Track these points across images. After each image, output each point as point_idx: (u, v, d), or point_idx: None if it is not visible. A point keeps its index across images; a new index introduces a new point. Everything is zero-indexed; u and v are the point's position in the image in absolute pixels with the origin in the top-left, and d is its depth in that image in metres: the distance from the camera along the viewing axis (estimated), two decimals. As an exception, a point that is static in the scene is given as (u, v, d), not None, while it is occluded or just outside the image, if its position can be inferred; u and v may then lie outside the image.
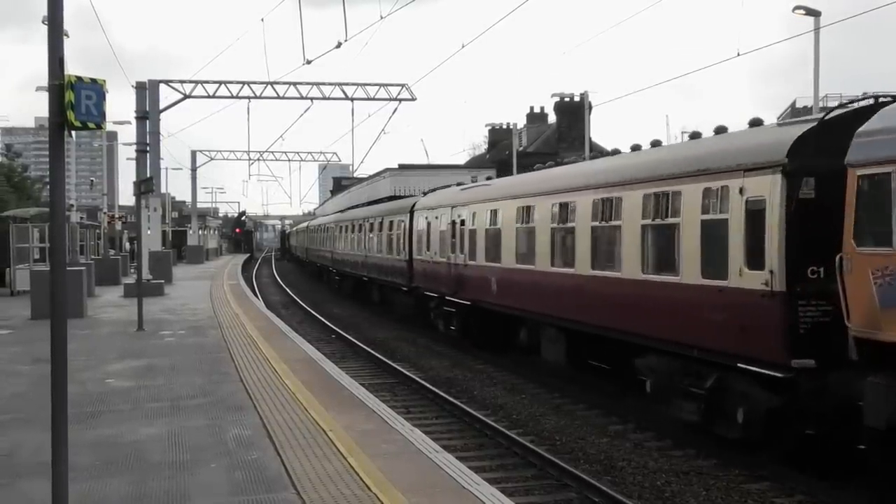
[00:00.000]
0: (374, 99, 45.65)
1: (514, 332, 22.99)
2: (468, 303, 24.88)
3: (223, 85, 44.41)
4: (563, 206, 19.07)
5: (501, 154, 70.22)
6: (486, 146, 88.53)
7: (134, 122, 41.44)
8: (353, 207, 57.78)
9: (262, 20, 45.13)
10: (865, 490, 11.63)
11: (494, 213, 23.19)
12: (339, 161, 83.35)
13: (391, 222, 35.15)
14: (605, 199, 17.19)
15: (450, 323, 26.99)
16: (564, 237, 19.19)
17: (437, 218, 28.31)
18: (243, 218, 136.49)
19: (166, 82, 42.91)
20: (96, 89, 7.56)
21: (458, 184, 31.41)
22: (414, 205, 31.88)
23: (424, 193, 33.09)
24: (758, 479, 12.57)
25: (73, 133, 7.90)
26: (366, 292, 42.24)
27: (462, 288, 25.42)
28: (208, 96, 44.22)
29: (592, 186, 18.02)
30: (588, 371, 19.42)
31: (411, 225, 31.58)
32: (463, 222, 25.63)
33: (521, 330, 22.49)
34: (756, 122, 14.94)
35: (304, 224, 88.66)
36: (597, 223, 17.42)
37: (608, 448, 14.54)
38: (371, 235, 39.32)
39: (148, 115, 40.68)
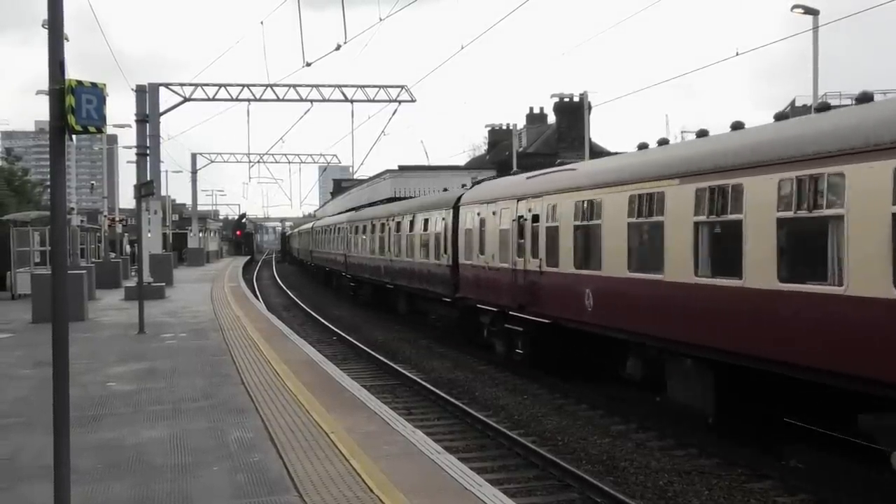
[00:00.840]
0: (373, 101, 45.64)
1: (617, 360, 17.36)
2: (545, 321, 19.66)
3: (223, 88, 44.41)
4: (719, 193, 13.44)
5: (501, 155, 70.24)
6: (486, 147, 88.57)
7: (134, 125, 41.49)
8: (371, 204, 51.72)
9: (262, 23, 45.14)
10: (869, 492, 11.62)
11: (588, 205, 17.81)
12: (340, 163, 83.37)
13: (426, 220, 29.88)
14: (805, 177, 11.53)
15: (513, 344, 21.72)
16: (719, 236, 13.80)
17: (494, 214, 22.96)
18: (244, 220, 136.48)
19: (166, 85, 42.92)
20: (97, 93, 7.56)
21: (511, 172, 26.91)
22: (460, 198, 26.56)
23: (473, 184, 28.50)
24: (760, 478, 12.56)
25: (74, 137, 7.89)
26: (390, 301, 37.25)
27: (535, 301, 20.18)
28: (208, 99, 44.22)
29: (777, 161, 12.17)
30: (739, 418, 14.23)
31: (455, 222, 26.22)
32: (536, 218, 20.29)
33: (631, 359, 16.73)
34: None
35: (309, 225, 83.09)
36: (787, 214, 11.87)
37: (610, 448, 14.54)
38: (398, 235, 34.13)
39: (148, 118, 40.70)
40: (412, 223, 31.91)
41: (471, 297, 24.64)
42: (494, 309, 22.74)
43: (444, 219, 27.44)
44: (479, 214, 23.95)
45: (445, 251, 27.06)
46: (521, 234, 21.01)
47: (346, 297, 46.86)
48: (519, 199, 21.45)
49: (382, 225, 37.33)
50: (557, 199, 19.43)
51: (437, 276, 28.12)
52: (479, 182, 27.04)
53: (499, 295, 22.38)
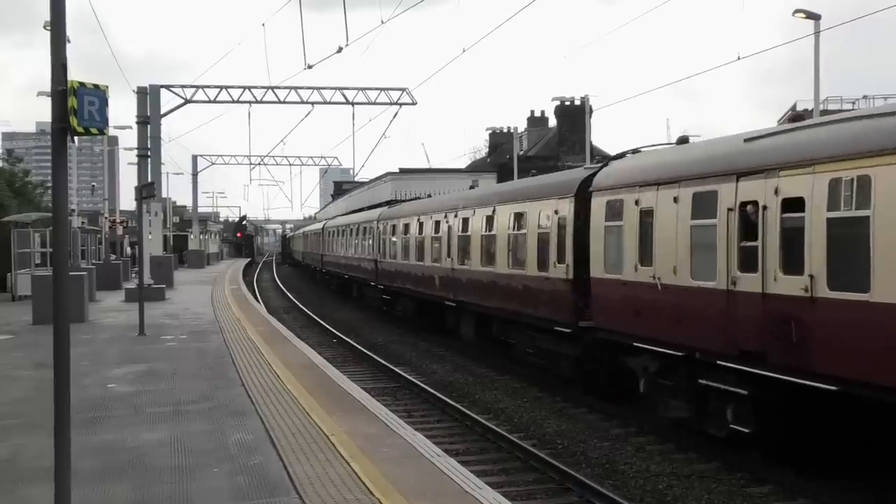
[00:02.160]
0: (374, 103, 45.71)
1: None
2: (829, 387, 11.14)
3: (224, 90, 44.46)
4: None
5: (502, 158, 70.30)
6: (486, 150, 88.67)
7: (135, 126, 41.51)
8: (412, 199, 42.73)
9: (263, 25, 45.29)
10: (869, 493, 11.61)
11: None
12: (340, 165, 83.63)
13: (520, 214, 21.70)
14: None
15: (715, 411, 13.87)
16: None
17: (677, 201, 14.65)
18: (244, 222, 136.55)
19: (167, 87, 43.00)
20: (99, 95, 7.57)
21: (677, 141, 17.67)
22: (589, 180, 18.36)
23: (602, 162, 20.18)
24: (760, 482, 12.56)
25: (76, 138, 7.90)
26: (446, 321, 28.71)
27: (792, 350, 11.73)
28: (209, 101, 44.26)
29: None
30: None
31: (582, 217, 18.30)
32: (796, 204, 11.81)
33: None
34: None
35: (317, 224, 74.49)
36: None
37: (610, 452, 14.54)
38: (466, 236, 25.47)
39: (149, 119, 40.74)
40: (491, 219, 23.49)
41: (614, 329, 16.80)
42: (670, 352, 14.72)
43: (557, 212, 19.44)
44: (638, 204, 15.84)
45: (561, 259, 19.09)
46: (747, 233, 12.85)
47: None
48: (768, 175, 12.43)
49: (438, 223, 28.60)
50: (847, 171, 10.97)
51: (541, 293, 20.02)
52: (618, 157, 18.54)
53: (687, 330, 14.22)
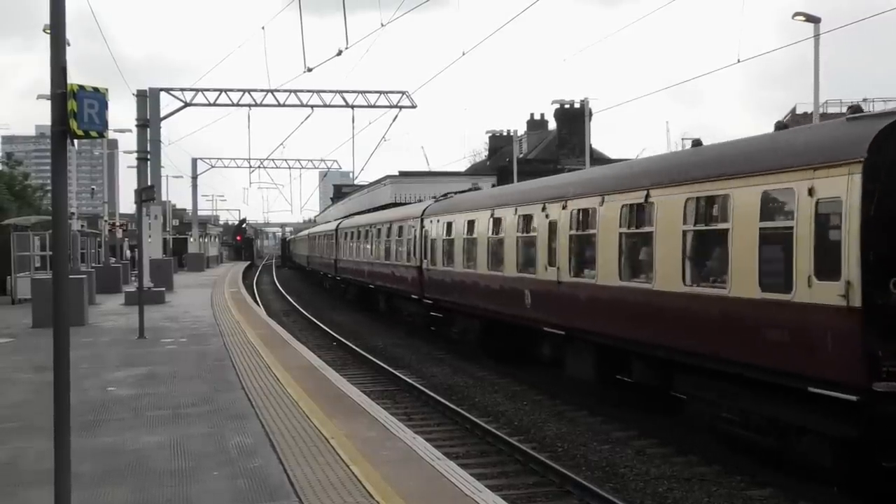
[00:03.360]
0: (374, 106, 45.72)
1: None
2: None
3: (224, 93, 44.47)
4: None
5: (502, 161, 70.35)
6: (486, 153, 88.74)
7: (135, 130, 41.50)
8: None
9: (263, 28, 45.45)
10: (869, 495, 11.60)
11: None
12: (340, 168, 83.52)
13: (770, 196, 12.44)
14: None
15: None
16: None
17: None
18: (244, 226, 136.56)
19: (167, 90, 42.98)
20: (99, 98, 7.58)
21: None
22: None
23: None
24: (760, 485, 12.55)
25: (76, 141, 7.90)
26: (576, 364, 18.90)
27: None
28: (209, 104, 44.28)
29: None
30: None
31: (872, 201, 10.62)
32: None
33: None
34: None
35: (327, 225, 65.57)
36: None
37: (610, 455, 14.53)
38: (635, 240, 16.19)
39: (149, 123, 40.73)
40: (644, 211, 15.57)
41: None
42: None
43: (814, 192, 11.27)
44: None
45: (828, 270, 11.05)
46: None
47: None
48: None
49: (528, 217, 20.84)
50: None
51: (772, 328, 12.09)
52: None
53: None
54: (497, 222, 22.78)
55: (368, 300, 41.70)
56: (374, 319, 38.25)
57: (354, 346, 28.29)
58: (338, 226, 52.49)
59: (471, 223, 24.77)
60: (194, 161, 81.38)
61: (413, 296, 30.70)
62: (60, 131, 7.49)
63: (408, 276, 31.53)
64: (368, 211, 55.38)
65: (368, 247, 40.02)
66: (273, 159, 77.92)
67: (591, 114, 52.30)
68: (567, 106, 65.01)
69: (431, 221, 28.83)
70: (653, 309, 14.96)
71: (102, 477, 9.86)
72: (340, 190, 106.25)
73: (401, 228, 33.41)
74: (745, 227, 12.49)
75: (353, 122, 51.15)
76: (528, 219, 20.75)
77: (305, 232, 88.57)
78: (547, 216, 19.48)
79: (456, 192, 30.25)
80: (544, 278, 19.35)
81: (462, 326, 26.47)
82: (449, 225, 27.00)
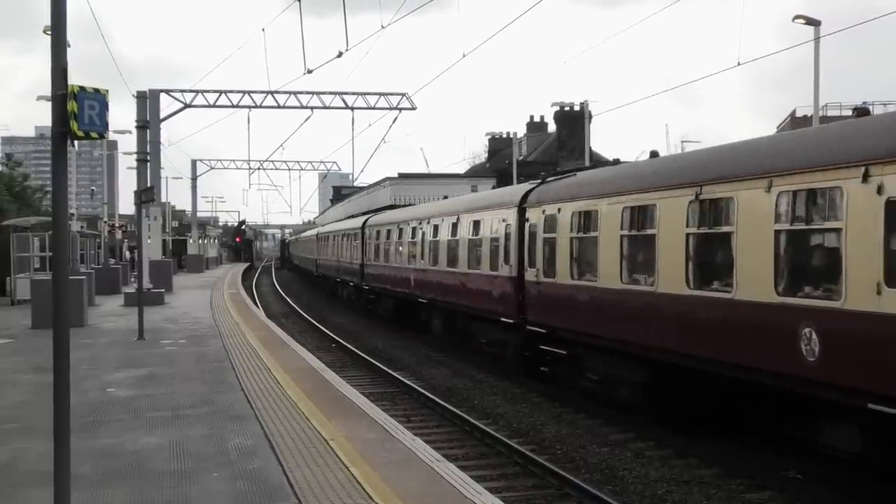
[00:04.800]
0: (374, 108, 45.73)
1: None
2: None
3: (224, 94, 44.48)
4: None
5: (501, 163, 70.38)
6: (486, 155, 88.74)
7: (134, 131, 41.52)
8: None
9: (263, 30, 45.36)
10: (868, 497, 11.61)
11: None
12: (340, 170, 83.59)
13: None
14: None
15: None
16: None
17: None
18: (243, 227, 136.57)
19: (167, 92, 42.98)
20: (99, 99, 7.59)
21: None
22: None
23: None
24: (759, 488, 12.54)
25: (76, 142, 7.91)
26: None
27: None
28: (209, 106, 44.29)
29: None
30: None
31: None
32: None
33: None
34: None
35: (344, 222, 53.88)
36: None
37: (609, 457, 14.52)
38: None
39: (148, 124, 40.74)
40: None
41: None
42: None
43: None
44: None
45: None
46: None
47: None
48: None
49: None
50: None
51: None
52: None
53: None
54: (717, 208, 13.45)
55: (412, 317, 32.71)
56: (375, 322, 38.17)
57: (354, 348, 28.29)
58: (365, 222, 41.97)
59: (639, 212, 15.65)
60: (194, 162, 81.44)
61: (503, 318, 21.89)
62: (61, 132, 7.50)
63: (494, 290, 22.78)
64: (381, 209, 47.97)
65: (418, 248, 30.76)
66: (273, 161, 78.11)
67: (590, 116, 52.35)
68: (567, 108, 64.98)
69: (543, 211, 19.67)
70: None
71: (102, 478, 9.86)
72: (340, 192, 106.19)
73: (476, 223, 24.58)
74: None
75: (352, 123, 51.19)
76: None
77: (311, 232, 79.92)
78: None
79: (572, 171, 21.27)
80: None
81: (608, 373, 17.07)
82: (583, 216, 17.92)
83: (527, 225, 20.54)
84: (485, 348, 24.44)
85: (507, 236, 21.76)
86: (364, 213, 49.41)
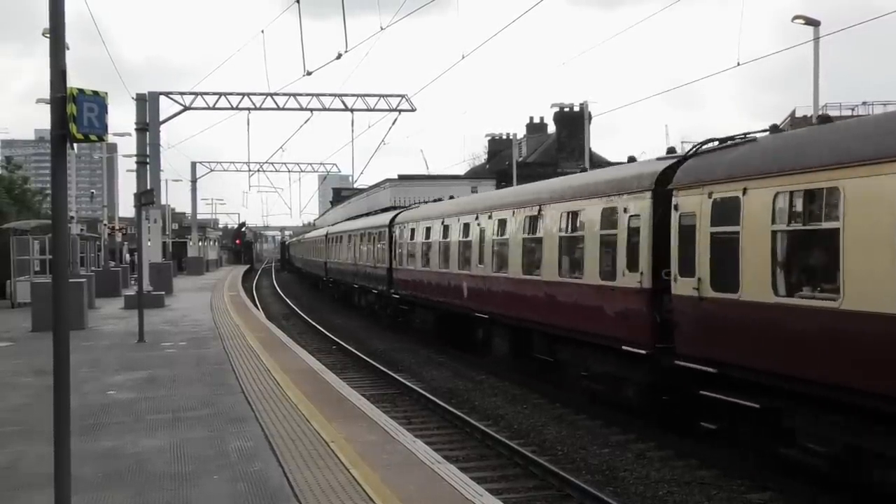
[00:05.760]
0: (373, 110, 45.75)
1: None
2: None
3: (223, 96, 44.50)
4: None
5: (501, 164, 70.41)
6: (485, 156, 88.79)
7: (134, 133, 41.53)
8: None
9: (263, 32, 45.40)
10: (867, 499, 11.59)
11: None
12: (339, 172, 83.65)
13: None
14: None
15: None
16: None
17: None
18: (243, 229, 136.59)
19: (166, 94, 42.99)
20: (98, 101, 7.58)
21: None
22: None
23: None
24: (760, 489, 12.54)
25: (75, 145, 7.91)
26: None
27: None
28: (208, 108, 44.29)
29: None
30: None
31: None
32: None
33: None
34: None
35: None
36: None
37: (610, 458, 14.52)
38: None
39: (148, 126, 40.74)
40: None
41: None
42: None
43: None
44: None
45: None
46: None
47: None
48: None
49: None
50: None
51: None
52: None
53: None
54: None
55: (461, 333, 26.67)
56: (374, 323, 38.16)
57: (354, 350, 28.28)
58: (394, 218, 34.86)
59: None
60: (193, 164, 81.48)
61: (625, 346, 15.73)
62: (60, 135, 7.50)
63: (607, 307, 16.62)
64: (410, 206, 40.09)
65: (474, 250, 24.29)
66: (272, 163, 78.27)
67: (590, 117, 52.31)
68: (566, 109, 65.00)
69: (710, 195, 13.62)
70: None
71: (102, 480, 9.85)
72: (340, 193, 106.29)
73: (573, 216, 18.53)
74: None
75: (352, 125, 51.33)
76: None
77: (318, 232, 71.60)
78: None
79: (742, 137, 14.14)
80: None
81: (844, 443, 11.43)
82: (797, 199, 11.95)
83: (675, 216, 14.41)
84: (586, 384, 18.09)
85: (633, 232, 15.80)
86: (384, 210, 44.38)
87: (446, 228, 27.27)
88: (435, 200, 32.50)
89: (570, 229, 18.64)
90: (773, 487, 12.49)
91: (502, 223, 22.39)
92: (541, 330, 20.19)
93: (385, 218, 37.28)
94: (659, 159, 16.65)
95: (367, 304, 40.70)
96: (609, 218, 16.75)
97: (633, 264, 15.65)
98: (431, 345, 24.71)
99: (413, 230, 31.57)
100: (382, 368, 24.08)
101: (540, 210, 20.07)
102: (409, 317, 32.76)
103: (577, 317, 17.92)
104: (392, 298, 34.31)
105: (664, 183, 15.02)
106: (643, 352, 15.13)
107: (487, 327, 24.11)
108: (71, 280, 19.88)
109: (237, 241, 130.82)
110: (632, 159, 17.31)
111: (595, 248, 17.26)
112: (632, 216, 15.90)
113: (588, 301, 17.46)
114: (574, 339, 18.23)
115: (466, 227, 25.21)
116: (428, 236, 29.24)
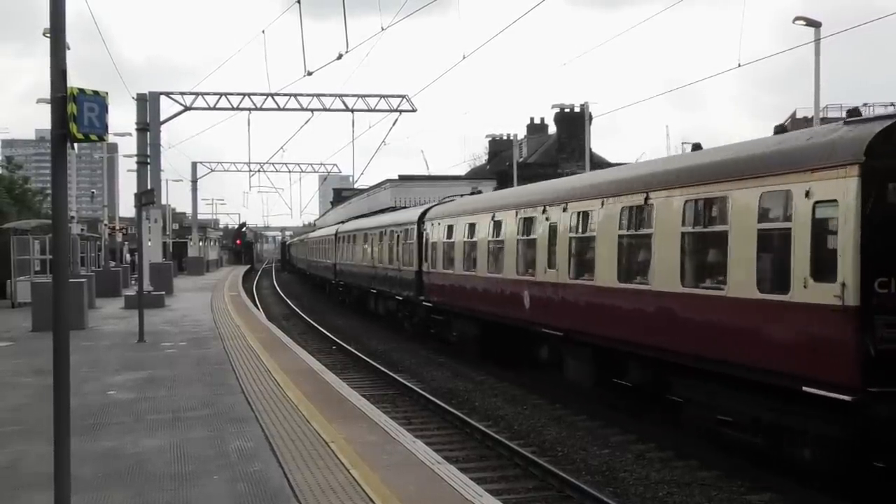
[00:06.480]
0: (374, 110, 45.77)
1: None
2: None
3: (224, 97, 44.51)
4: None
5: (502, 165, 70.38)
6: (486, 157, 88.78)
7: (134, 133, 41.54)
8: None
9: (263, 32, 45.26)
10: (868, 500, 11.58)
11: None
12: (340, 172, 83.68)
13: None
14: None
15: None
16: None
17: None
18: (244, 229, 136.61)
19: (167, 94, 43.01)
20: (99, 101, 7.58)
21: None
22: None
23: None
24: (760, 490, 12.53)
25: (76, 145, 7.91)
26: None
27: None
28: (209, 108, 44.30)
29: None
30: None
31: None
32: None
33: None
34: None
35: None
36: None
37: (610, 459, 14.51)
38: None
39: (148, 126, 40.75)
40: None
41: None
42: None
43: None
44: None
45: None
46: None
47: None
48: None
49: None
50: None
51: None
52: None
53: None
54: None
55: (518, 351, 22.59)
56: (374, 324, 38.14)
57: (354, 350, 28.28)
58: (425, 213, 30.74)
59: None
60: (194, 165, 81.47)
61: (808, 387, 11.32)
62: (60, 135, 7.50)
63: (773, 331, 12.20)
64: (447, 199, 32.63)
65: (541, 251, 20.15)
66: (273, 163, 78.17)
67: (591, 118, 52.31)
68: (567, 110, 65.00)
69: None
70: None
71: (102, 480, 9.85)
72: (340, 194, 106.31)
73: (707, 207, 14.06)
74: None
75: (353, 125, 51.36)
76: None
77: (325, 231, 65.46)
78: None
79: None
80: None
81: None
82: None
83: None
84: (732, 434, 13.48)
85: (821, 225, 11.35)
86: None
87: (498, 225, 22.88)
88: (472, 193, 29.26)
89: (702, 223, 14.05)
90: (773, 489, 12.48)
91: (584, 217, 18.08)
92: (642, 354, 15.82)
93: (414, 213, 32.08)
94: (828, 127, 12.17)
95: (388, 312, 36.01)
96: (775, 206, 12.32)
97: (822, 271, 11.15)
98: (471, 362, 23.73)
99: (450, 227, 26.87)
100: (382, 369, 24.08)
101: (647, 198, 15.41)
102: (442, 328, 28.22)
103: (711, 342, 13.43)
104: (422, 306, 29.74)
105: (881, 155, 10.64)
106: (844, 397, 10.68)
107: (556, 346, 19.90)
108: (71, 280, 19.89)
109: (237, 242, 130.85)
110: (780, 129, 12.94)
111: (749, 248, 12.57)
112: (818, 203, 11.30)
113: (734, 321, 12.93)
114: (703, 369, 13.79)
115: (528, 222, 20.89)
116: (472, 234, 24.84)
